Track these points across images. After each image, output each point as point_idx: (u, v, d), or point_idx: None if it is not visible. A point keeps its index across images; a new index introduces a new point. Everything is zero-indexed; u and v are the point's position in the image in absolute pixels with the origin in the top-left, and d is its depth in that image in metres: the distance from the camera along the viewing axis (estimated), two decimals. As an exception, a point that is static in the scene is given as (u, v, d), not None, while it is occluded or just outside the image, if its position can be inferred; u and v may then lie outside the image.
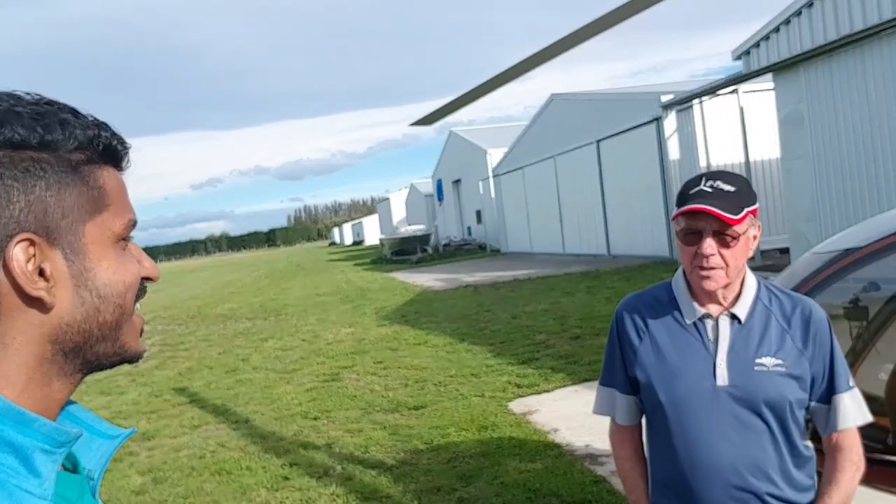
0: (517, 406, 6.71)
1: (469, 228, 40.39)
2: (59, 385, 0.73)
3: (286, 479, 5.49)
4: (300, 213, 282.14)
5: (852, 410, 1.81)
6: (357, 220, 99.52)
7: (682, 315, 1.86)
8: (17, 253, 0.67)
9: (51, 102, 0.72)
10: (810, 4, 11.16)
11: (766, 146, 15.42)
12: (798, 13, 11.46)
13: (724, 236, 1.72)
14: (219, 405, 8.24)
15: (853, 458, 1.83)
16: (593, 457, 5.17)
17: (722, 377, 1.77)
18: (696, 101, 16.06)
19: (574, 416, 6.08)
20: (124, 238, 0.76)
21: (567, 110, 24.85)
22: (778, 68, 12.06)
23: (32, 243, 0.68)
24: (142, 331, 0.80)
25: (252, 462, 5.97)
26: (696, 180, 1.78)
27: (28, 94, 0.72)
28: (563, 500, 4.52)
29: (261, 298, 22.56)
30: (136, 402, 8.92)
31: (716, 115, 16.06)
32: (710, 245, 1.72)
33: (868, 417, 1.84)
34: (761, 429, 1.76)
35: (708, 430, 1.78)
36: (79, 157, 0.72)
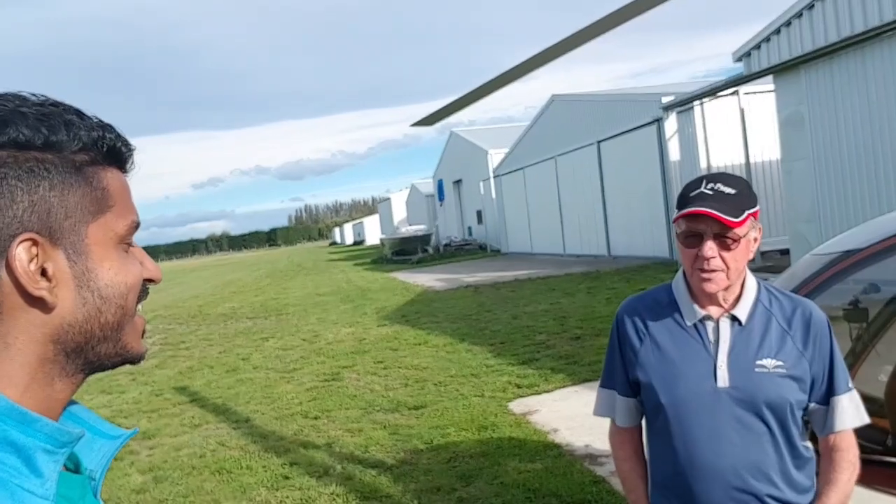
0: (517, 406, 6.71)
1: (470, 229, 40.39)
2: (62, 385, 0.73)
3: (286, 478, 5.50)
4: (301, 212, 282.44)
5: (850, 412, 1.81)
6: (358, 220, 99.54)
7: (682, 317, 1.86)
8: (20, 252, 0.67)
9: (56, 104, 0.72)
10: (811, 6, 11.16)
11: (767, 148, 15.42)
12: (799, 15, 11.46)
13: (724, 239, 1.72)
14: (219, 404, 8.24)
15: (850, 459, 1.84)
16: (593, 457, 5.17)
17: (723, 379, 1.77)
18: (696, 103, 16.06)
19: (574, 417, 6.08)
20: (127, 240, 0.76)
21: (568, 111, 24.85)
22: (778, 70, 12.05)
23: (35, 243, 0.68)
24: (144, 332, 0.80)
25: (252, 461, 5.97)
26: (697, 183, 1.78)
27: (34, 95, 0.72)
28: (562, 500, 4.52)
29: (262, 298, 22.56)
30: (137, 400, 8.93)
31: (716, 116, 16.06)
32: (710, 248, 1.72)
33: (865, 419, 1.84)
34: (762, 430, 1.76)
35: (708, 432, 1.78)
36: (83, 159, 0.73)
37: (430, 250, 35.34)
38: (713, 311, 1.83)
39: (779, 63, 11.92)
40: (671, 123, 17.64)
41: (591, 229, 24.29)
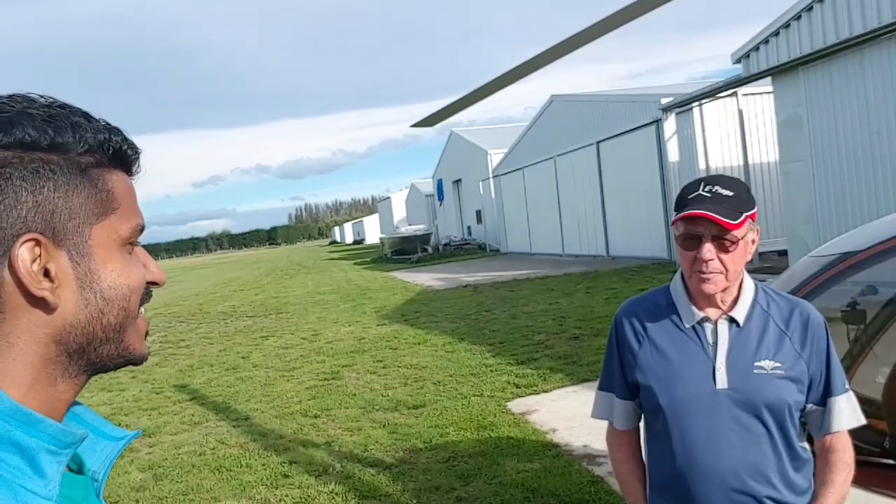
0: (516, 406, 6.72)
1: (469, 228, 40.40)
2: (65, 386, 0.73)
3: (286, 476, 5.50)
4: (301, 211, 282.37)
5: (847, 413, 1.82)
6: (358, 220, 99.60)
7: (680, 319, 1.86)
8: (23, 253, 0.67)
9: (64, 106, 0.73)
10: (810, 8, 11.16)
11: (765, 149, 15.44)
12: (798, 17, 11.45)
13: (723, 241, 1.72)
14: (219, 402, 8.24)
15: (847, 460, 1.84)
16: (591, 457, 5.18)
17: (721, 380, 1.78)
18: (695, 104, 16.05)
19: (572, 417, 6.09)
20: (131, 242, 0.77)
21: (567, 112, 24.86)
22: (777, 72, 12.05)
23: (38, 243, 0.68)
24: (146, 333, 0.80)
25: (252, 459, 5.98)
26: (695, 185, 1.79)
27: (42, 96, 0.73)
28: (561, 499, 4.52)
29: (262, 296, 22.56)
30: (137, 398, 8.93)
31: (715, 117, 16.06)
32: (709, 250, 1.72)
33: (862, 420, 1.85)
34: (761, 432, 1.77)
35: (707, 434, 1.79)
36: (88, 160, 0.73)
37: (430, 250, 35.34)
38: (711, 312, 1.83)
39: (777, 65, 11.91)
40: (670, 124, 17.63)
41: (590, 229, 24.30)
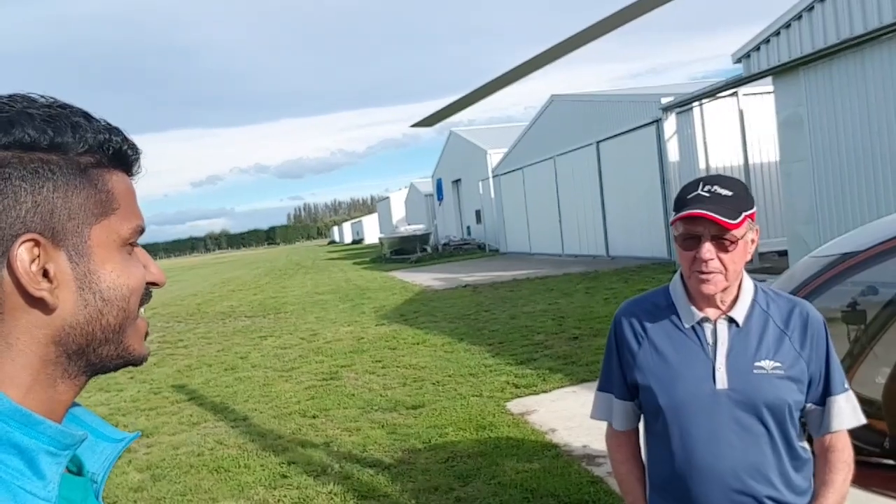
0: (515, 406, 6.71)
1: (468, 228, 40.40)
2: (64, 387, 0.73)
3: (284, 476, 5.50)
4: (300, 211, 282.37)
5: (847, 412, 1.82)
6: (357, 219, 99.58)
7: (680, 319, 1.86)
8: (22, 253, 0.67)
9: (64, 106, 0.73)
10: (811, 8, 11.17)
11: (766, 149, 15.43)
12: (798, 17, 11.46)
13: (722, 241, 1.72)
14: (217, 403, 8.24)
15: (846, 460, 1.84)
16: (591, 457, 5.17)
17: (721, 381, 1.78)
18: (695, 104, 16.06)
19: (572, 417, 6.09)
20: (131, 243, 0.76)
21: (567, 111, 24.86)
22: (778, 71, 12.06)
23: (37, 244, 0.68)
24: (146, 334, 0.80)
25: (250, 460, 5.97)
26: (694, 185, 1.78)
27: (42, 96, 0.72)
28: (560, 500, 4.52)
29: (260, 296, 22.55)
30: (135, 399, 8.92)
31: (715, 117, 16.06)
32: (708, 250, 1.72)
33: (861, 419, 1.85)
34: (761, 432, 1.77)
35: (707, 434, 1.78)
36: (88, 161, 0.73)
37: (429, 250, 35.34)
38: (711, 312, 1.83)
39: (778, 65, 11.92)
40: (670, 124, 17.63)
41: (590, 229, 24.30)
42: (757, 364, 1.77)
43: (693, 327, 1.84)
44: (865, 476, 2.00)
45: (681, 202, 1.77)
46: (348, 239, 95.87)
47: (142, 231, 0.78)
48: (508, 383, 7.54)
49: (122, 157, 0.77)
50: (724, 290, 1.79)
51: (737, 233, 1.72)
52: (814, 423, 1.86)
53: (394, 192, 66.05)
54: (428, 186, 47.74)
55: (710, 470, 1.78)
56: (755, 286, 1.88)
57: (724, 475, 1.77)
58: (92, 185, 0.73)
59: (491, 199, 34.67)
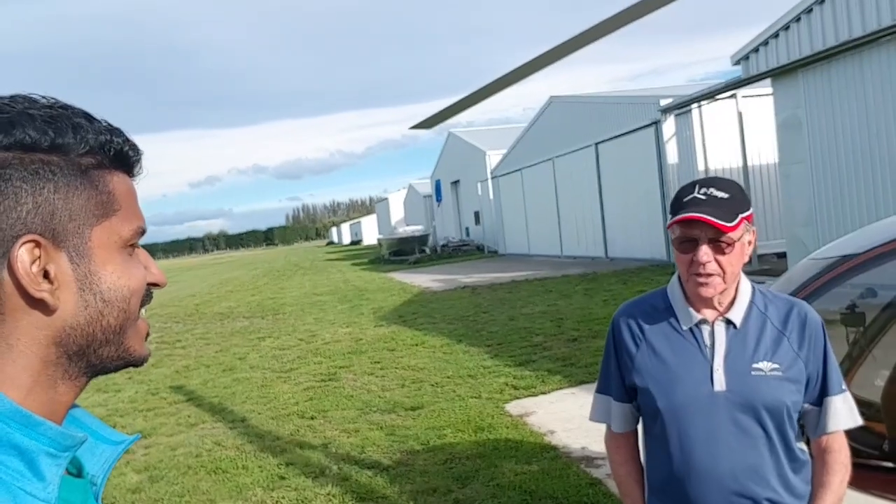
0: (514, 408, 6.71)
1: (467, 229, 40.41)
2: (65, 388, 0.73)
3: (282, 478, 5.49)
4: (298, 212, 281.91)
5: (844, 413, 1.82)
6: (355, 220, 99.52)
7: (678, 321, 1.86)
8: (22, 254, 0.67)
9: (65, 107, 0.73)
10: (810, 10, 11.18)
11: (764, 151, 15.43)
12: (797, 19, 11.48)
13: (719, 243, 1.72)
14: (216, 404, 8.23)
15: (843, 461, 1.84)
16: (589, 459, 5.17)
17: (719, 383, 1.78)
18: (694, 106, 16.07)
19: (571, 419, 6.08)
20: (132, 244, 0.76)
21: (566, 113, 24.87)
22: (777, 73, 12.07)
23: (38, 245, 0.68)
24: (147, 335, 0.80)
25: (248, 461, 5.97)
26: (690, 187, 1.79)
27: (44, 97, 0.72)
28: (559, 502, 4.52)
29: (259, 297, 22.54)
30: (133, 399, 8.91)
31: (714, 119, 16.07)
32: (705, 252, 1.72)
33: (858, 421, 1.84)
34: (759, 434, 1.77)
35: (706, 436, 1.78)
36: (89, 162, 0.73)
37: (428, 251, 35.35)
38: (708, 314, 1.83)
39: (777, 67, 11.93)
40: (669, 126, 17.64)
41: (589, 231, 24.31)
42: (755, 365, 1.77)
43: (691, 329, 1.84)
44: (864, 478, 2.00)
45: (677, 205, 1.77)
46: (347, 240, 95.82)
47: (143, 232, 0.78)
48: (507, 385, 7.53)
49: (124, 158, 0.77)
50: (722, 292, 1.79)
51: (733, 235, 1.72)
52: (810, 424, 1.86)
53: (392, 193, 66.06)
54: (427, 187, 47.76)
55: (708, 472, 1.78)
56: (753, 288, 1.88)
57: (723, 477, 1.77)
58: (93, 186, 0.73)
59: (490, 200, 34.68)
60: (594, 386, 2.09)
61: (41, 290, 0.68)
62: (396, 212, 62.04)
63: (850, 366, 3.06)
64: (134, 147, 0.78)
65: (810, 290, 3.06)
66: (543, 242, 28.49)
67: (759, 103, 14.78)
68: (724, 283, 1.76)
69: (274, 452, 6.14)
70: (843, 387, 1.84)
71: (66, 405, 0.74)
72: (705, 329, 1.83)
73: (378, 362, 9.59)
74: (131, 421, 7.82)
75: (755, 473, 1.77)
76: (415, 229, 38.92)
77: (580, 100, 24.17)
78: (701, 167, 15.99)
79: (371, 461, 5.63)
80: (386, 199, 67.37)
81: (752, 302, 1.84)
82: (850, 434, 1.87)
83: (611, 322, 2.00)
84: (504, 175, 32.22)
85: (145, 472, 6.00)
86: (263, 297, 22.59)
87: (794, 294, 2.97)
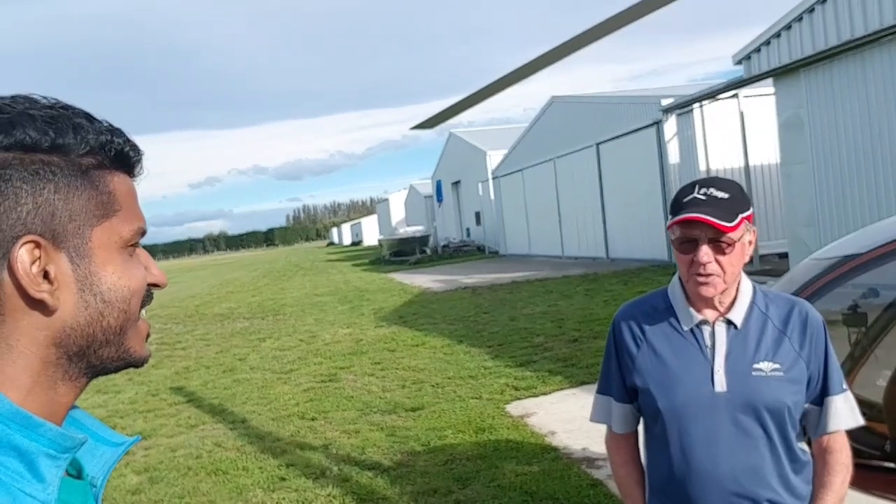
0: (514, 408, 6.71)
1: (468, 230, 40.41)
2: (65, 389, 0.73)
3: (283, 479, 5.49)
4: (299, 213, 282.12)
5: (844, 413, 1.81)
6: (356, 221, 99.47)
7: (678, 322, 1.86)
8: (22, 254, 0.67)
9: (66, 107, 0.72)
10: (811, 10, 11.18)
11: (766, 151, 15.41)
12: (799, 18, 11.47)
13: (719, 243, 1.72)
14: (216, 405, 8.23)
15: (844, 461, 1.84)
16: (590, 460, 5.17)
17: (720, 383, 1.77)
18: (696, 105, 16.07)
19: (571, 419, 6.08)
20: (132, 244, 0.76)
21: (567, 113, 24.87)
22: (778, 73, 12.06)
23: (38, 245, 0.68)
24: (147, 336, 0.80)
25: (249, 462, 5.96)
26: (690, 188, 1.78)
27: (45, 97, 0.72)
28: (559, 503, 4.51)
29: (259, 298, 22.54)
30: (133, 401, 8.91)
31: (716, 119, 16.06)
32: (706, 253, 1.72)
33: (860, 421, 1.84)
34: (760, 435, 1.76)
35: (706, 437, 1.78)
36: (90, 162, 0.73)
37: (428, 251, 35.34)
38: (709, 315, 1.83)
39: (779, 66, 11.93)
40: (670, 126, 17.64)
41: (590, 231, 24.30)
42: (755, 366, 1.77)
43: (692, 330, 1.84)
44: (866, 479, 2.00)
45: (677, 205, 1.77)
46: (347, 241, 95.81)
47: (143, 233, 0.78)
48: (508, 385, 7.53)
49: (124, 158, 0.77)
50: (723, 292, 1.78)
51: (733, 235, 1.72)
52: (811, 424, 1.85)
53: (393, 193, 66.05)
54: (427, 188, 47.75)
55: (708, 473, 1.78)
56: (754, 287, 1.88)
57: (723, 478, 1.76)
58: (93, 186, 0.73)
59: (490, 200, 34.68)
60: (595, 387, 2.08)
61: (41, 291, 0.68)
62: (397, 212, 62.05)
63: (851, 366, 3.05)
64: (135, 147, 0.78)
65: (812, 290, 3.06)
66: (544, 243, 28.48)
67: (760, 103, 14.77)
68: (725, 283, 1.75)
69: (274, 453, 6.13)
70: (844, 386, 1.83)
71: (66, 406, 0.74)
72: (706, 330, 1.83)
73: (378, 363, 9.59)
74: (131, 422, 7.82)
75: (756, 474, 1.76)
76: (415, 230, 38.91)
77: (581, 100, 24.16)
78: (702, 167, 15.99)
79: (371, 462, 5.63)
80: (386, 199, 67.38)
81: (753, 302, 1.84)
82: (852, 434, 1.86)
83: (611, 322, 2.00)
84: (505, 175, 32.22)
85: (145, 473, 6.00)
86: (264, 297, 22.59)
87: (795, 294, 2.97)
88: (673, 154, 17.77)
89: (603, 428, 2.08)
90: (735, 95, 14.51)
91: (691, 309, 1.84)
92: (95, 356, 0.74)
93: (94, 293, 0.72)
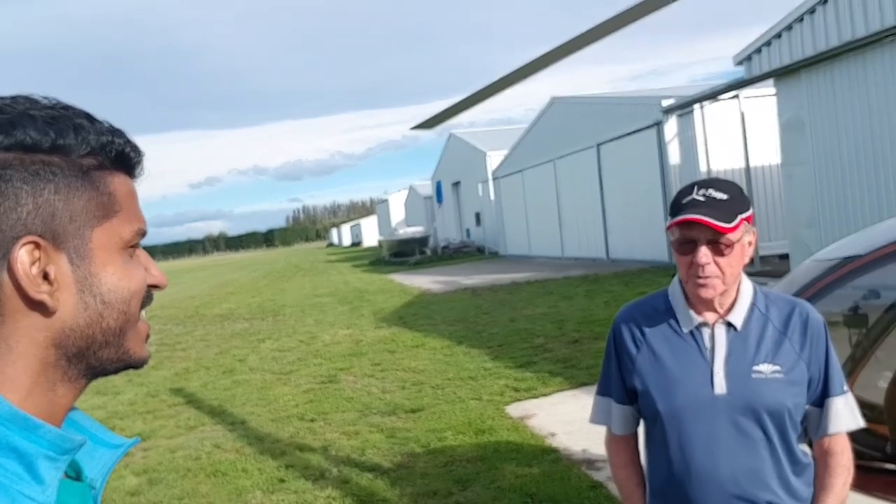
0: (515, 410, 6.70)
1: (468, 231, 40.41)
2: (64, 390, 0.72)
3: (282, 481, 5.48)
4: (299, 213, 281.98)
5: (845, 414, 1.81)
6: (355, 222, 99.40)
7: (678, 324, 1.86)
8: (22, 255, 0.67)
9: (67, 107, 0.72)
10: (812, 10, 11.18)
11: (767, 152, 15.42)
12: (800, 19, 11.47)
13: (718, 245, 1.71)
14: (215, 406, 8.22)
15: (845, 463, 1.83)
16: (590, 462, 5.16)
17: (720, 386, 1.77)
18: (697, 106, 16.08)
19: (572, 421, 6.07)
20: (132, 245, 0.76)
21: (567, 113, 24.87)
22: (779, 74, 12.07)
23: (38, 246, 0.68)
24: (147, 337, 0.79)
25: (248, 464, 5.96)
26: (689, 189, 1.78)
27: (45, 98, 0.72)
28: (560, 504, 4.51)
29: (258, 299, 22.54)
30: (133, 402, 8.90)
31: (717, 120, 16.07)
32: (705, 254, 1.71)
33: (860, 422, 1.83)
34: (760, 437, 1.76)
35: (706, 439, 1.78)
36: (90, 163, 0.73)
37: (428, 252, 35.34)
38: (709, 316, 1.82)
39: (780, 67, 11.93)
40: (671, 127, 17.65)
41: (590, 232, 24.30)
42: (755, 368, 1.76)
43: (692, 332, 1.83)
44: (867, 481, 1.99)
45: (676, 207, 1.77)
46: (347, 241, 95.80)
47: (143, 234, 0.77)
48: (508, 387, 7.52)
49: (125, 159, 0.77)
50: (723, 293, 1.78)
51: (733, 236, 1.71)
52: (812, 426, 1.85)
53: (393, 194, 66.03)
54: (427, 189, 47.76)
55: (708, 475, 1.77)
56: (754, 289, 1.87)
57: (723, 481, 1.76)
58: (94, 187, 0.72)
59: (490, 201, 34.68)
60: (595, 388, 2.08)
61: (41, 292, 0.68)
62: (397, 213, 62.04)
63: (852, 367, 3.05)
64: (135, 148, 0.78)
65: (813, 291, 3.05)
66: (544, 244, 28.48)
67: (761, 104, 14.78)
68: (724, 284, 1.75)
69: (274, 455, 6.13)
70: (845, 388, 1.83)
71: (66, 407, 0.74)
72: (706, 332, 1.82)
73: (378, 364, 9.58)
74: (130, 423, 7.81)
75: (756, 476, 1.76)
76: (415, 231, 38.90)
77: (582, 100, 24.16)
78: (703, 168, 16.00)
79: (371, 464, 5.62)
80: (386, 200, 67.37)
81: (753, 304, 1.83)
82: (853, 436, 1.86)
83: (612, 324, 2.00)
84: (505, 176, 32.22)
85: (144, 474, 5.99)
86: (263, 298, 22.59)
87: (796, 295, 2.96)
88: (673, 155, 17.77)
89: (603, 429, 2.08)
90: (736, 96, 14.52)
91: (691, 311, 1.83)
92: (95, 357, 0.73)
93: (94, 294, 0.72)
